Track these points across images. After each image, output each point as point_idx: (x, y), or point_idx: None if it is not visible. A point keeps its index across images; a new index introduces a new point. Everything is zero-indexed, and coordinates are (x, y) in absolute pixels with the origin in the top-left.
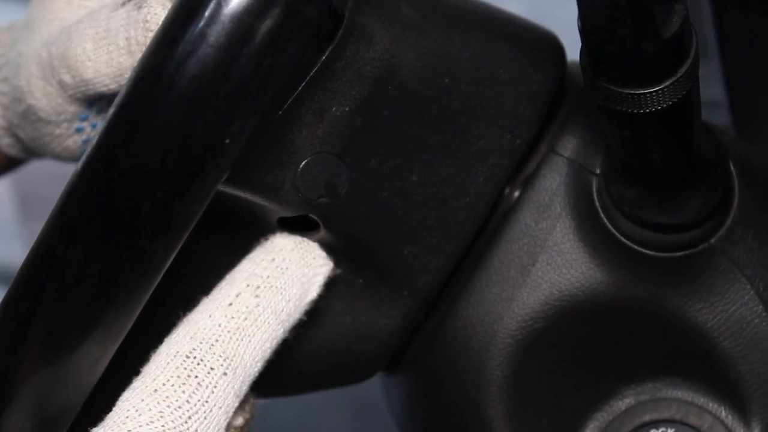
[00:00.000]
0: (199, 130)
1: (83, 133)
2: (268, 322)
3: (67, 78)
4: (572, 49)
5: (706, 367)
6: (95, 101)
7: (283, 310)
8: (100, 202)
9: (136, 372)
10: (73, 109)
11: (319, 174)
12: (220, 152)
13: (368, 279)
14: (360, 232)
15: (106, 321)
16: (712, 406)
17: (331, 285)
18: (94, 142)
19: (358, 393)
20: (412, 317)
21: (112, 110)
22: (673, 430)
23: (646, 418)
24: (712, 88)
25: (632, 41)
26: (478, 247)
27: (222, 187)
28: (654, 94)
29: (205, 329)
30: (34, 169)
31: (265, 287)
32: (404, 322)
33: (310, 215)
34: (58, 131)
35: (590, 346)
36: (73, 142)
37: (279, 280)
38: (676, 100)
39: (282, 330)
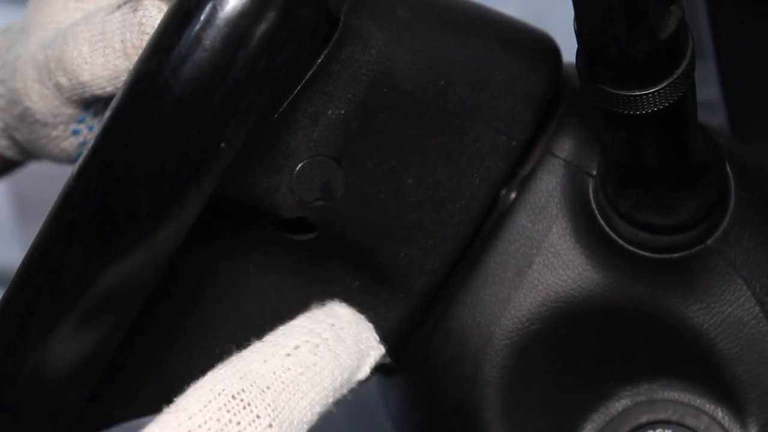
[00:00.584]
0: (195, 134)
1: (80, 135)
2: (323, 384)
3: (63, 80)
4: (567, 50)
5: (703, 368)
6: (91, 104)
7: (337, 378)
8: (96, 205)
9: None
10: (69, 111)
11: (315, 177)
12: (215, 155)
13: (364, 281)
14: (356, 235)
15: (102, 324)
16: (709, 407)
17: (326, 286)
18: (90, 145)
19: (353, 394)
20: (409, 319)
21: (108, 113)
22: (670, 431)
23: (643, 419)
24: (707, 89)
25: (628, 43)
26: (474, 248)
27: (218, 191)
28: (650, 95)
29: (257, 373)
30: (30, 171)
31: (324, 348)
32: (401, 323)
33: (306, 218)
34: (54, 133)
35: (587, 347)
36: (70, 144)
37: (338, 347)
38: (672, 101)
39: (332, 398)
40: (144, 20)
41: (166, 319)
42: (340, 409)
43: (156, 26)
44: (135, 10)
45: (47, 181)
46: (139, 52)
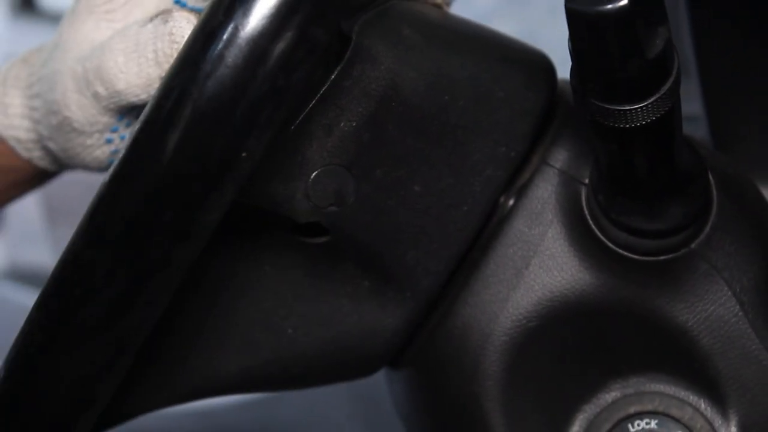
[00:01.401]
0: (218, 145)
1: (112, 144)
2: None
3: (101, 90)
4: (561, 67)
5: (687, 363)
6: (125, 113)
7: None
8: (126, 211)
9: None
10: (105, 120)
11: (328, 185)
12: (237, 165)
13: (373, 281)
14: (366, 238)
15: (130, 322)
16: (693, 398)
17: (338, 286)
18: (121, 154)
19: (362, 387)
20: (414, 317)
21: (138, 125)
22: (656, 421)
23: (631, 410)
24: (691, 104)
25: (619, 62)
26: (475, 251)
27: (238, 198)
28: (639, 110)
29: None
30: (61, 179)
31: None
32: (407, 321)
33: (320, 222)
34: (89, 142)
35: (579, 343)
36: (102, 152)
37: None
38: (659, 115)
39: None
40: (174, 30)
41: (188, 317)
42: (350, 401)
43: (185, 36)
44: (166, 22)
45: (76, 189)
46: (171, 60)
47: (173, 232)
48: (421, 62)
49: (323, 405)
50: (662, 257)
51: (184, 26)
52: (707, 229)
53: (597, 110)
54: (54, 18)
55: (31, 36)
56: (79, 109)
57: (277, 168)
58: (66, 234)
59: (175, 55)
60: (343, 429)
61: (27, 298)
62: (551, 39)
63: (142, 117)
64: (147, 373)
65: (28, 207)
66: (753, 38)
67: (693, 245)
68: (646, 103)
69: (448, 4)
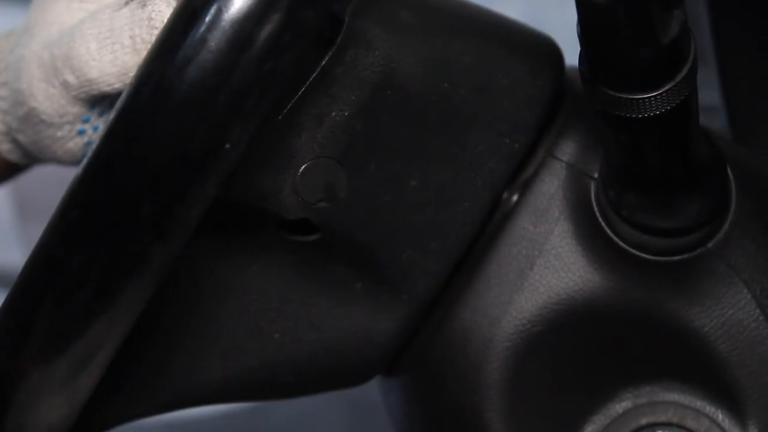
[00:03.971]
0: (200, 135)
1: (85, 135)
2: None
3: (71, 78)
4: (569, 52)
5: (703, 370)
6: (98, 102)
7: None
8: (101, 206)
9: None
10: (75, 110)
11: (318, 178)
12: (220, 157)
13: (367, 283)
14: (359, 236)
15: (106, 325)
16: (709, 409)
17: (329, 288)
18: (95, 145)
19: (355, 395)
20: (411, 321)
21: (113, 114)
22: None
23: (644, 421)
24: (709, 93)
25: (632, 46)
26: (476, 251)
27: (222, 192)
28: (652, 98)
29: None
30: (31, 173)
31: None
32: (403, 325)
33: (309, 219)
34: (59, 134)
35: (588, 349)
36: (75, 144)
37: None
38: (674, 104)
39: None
40: (153, 15)
41: (168, 320)
42: (343, 409)
43: (165, 21)
44: (144, 6)
45: (48, 183)
46: (149, 47)
47: (151, 229)
48: (419, 47)
49: (314, 415)
50: (677, 257)
51: (163, 10)
52: (725, 227)
53: (608, 99)
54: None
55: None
56: (47, 100)
57: (263, 160)
58: (37, 231)
59: (154, 40)
60: None
61: None
62: (559, 22)
63: (117, 105)
64: (123, 381)
65: None
66: None
67: (710, 245)
68: (660, 91)
69: None
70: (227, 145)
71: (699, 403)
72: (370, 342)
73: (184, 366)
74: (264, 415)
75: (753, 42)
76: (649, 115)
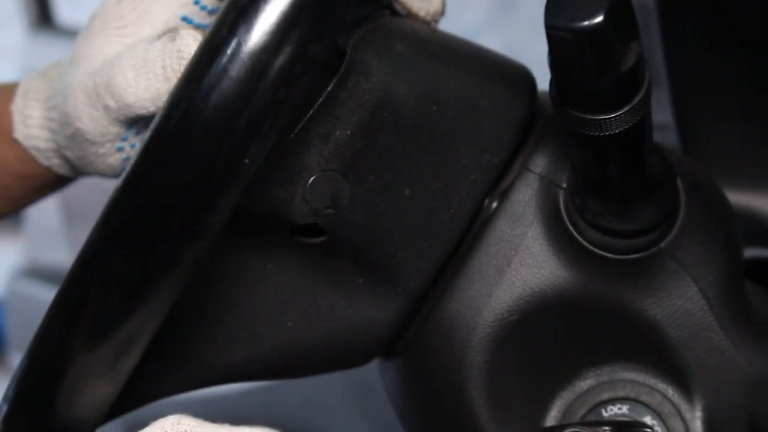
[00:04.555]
0: (223, 153)
1: (123, 152)
2: None
3: (111, 103)
4: (542, 79)
5: (656, 353)
6: (134, 123)
7: None
8: (138, 214)
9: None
10: (115, 130)
11: (325, 189)
12: (240, 171)
13: (367, 278)
14: (360, 239)
15: (143, 317)
16: (661, 386)
17: (334, 283)
18: (132, 161)
19: (356, 375)
20: (405, 311)
21: (148, 134)
22: (628, 406)
23: (605, 396)
24: (662, 114)
25: (594, 75)
26: (461, 250)
27: (242, 201)
28: (613, 119)
29: None
30: (77, 183)
31: None
32: (398, 315)
33: (317, 224)
34: (101, 150)
35: (557, 335)
36: (115, 160)
37: None
38: (631, 124)
39: None
40: (182, 47)
41: (196, 311)
42: (344, 388)
43: (192, 52)
44: (173, 39)
45: (91, 192)
46: (178, 75)
47: (181, 234)
48: (411, 75)
49: (321, 392)
50: (634, 256)
51: (191, 43)
52: (676, 229)
53: (574, 119)
54: (71, 33)
55: (49, 50)
56: (91, 121)
57: (277, 173)
58: (82, 235)
59: (183, 70)
60: (339, 414)
61: (46, 295)
62: (533, 53)
63: (151, 126)
64: (158, 364)
65: (46, 209)
66: (720, 51)
67: (662, 244)
68: (619, 113)
69: (437, 20)
70: (246, 161)
71: (652, 381)
72: (369, 329)
73: (210, 350)
74: (278, 392)
75: (701, 69)
76: (609, 133)
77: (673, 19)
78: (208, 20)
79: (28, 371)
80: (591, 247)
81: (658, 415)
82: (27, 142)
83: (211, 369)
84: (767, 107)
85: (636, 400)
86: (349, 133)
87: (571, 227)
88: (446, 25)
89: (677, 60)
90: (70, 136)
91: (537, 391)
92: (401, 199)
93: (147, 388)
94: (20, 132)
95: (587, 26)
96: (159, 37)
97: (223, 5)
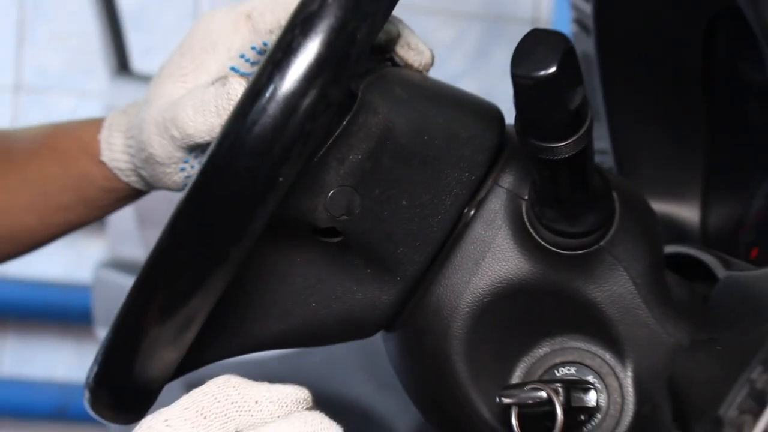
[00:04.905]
0: (262, 173)
1: (185, 171)
2: None
3: (176, 134)
4: (509, 115)
5: (597, 327)
6: (194, 149)
7: None
8: (197, 221)
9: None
10: (179, 155)
11: (341, 200)
12: (276, 187)
13: (373, 269)
14: (368, 238)
15: (200, 299)
16: (600, 352)
17: (348, 273)
18: (192, 179)
19: (365, 344)
20: (403, 295)
21: (204, 158)
22: (575, 368)
23: (557, 360)
24: (602, 142)
25: (549, 113)
26: (446, 248)
27: (277, 210)
28: (563, 147)
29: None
30: (149, 195)
31: None
32: (397, 298)
33: (335, 227)
34: (168, 170)
35: (521, 313)
36: (179, 177)
37: None
38: (578, 150)
39: None
40: (230, 91)
41: (242, 293)
42: (357, 353)
43: (239, 94)
44: (224, 85)
45: (159, 202)
46: (228, 112)
47: (230, 235)
48: (407, 112)
49: (338, 356)
50: (580, 252)
51: (237, 88)
52: (612, 231)
53: (533, 147)
54: (144, 78)
55: (127, 92)
56: (160, 147)
57: (304, 188)
58: (153, 235)
59: (231, 108)
60: (352, 374)
61: (124, 282)
62: (502, 94)
63: (207, 152)
64: (212, 334)
65: (125, 215)
66: (646, 94)
67: (602, 243)
68: (568, 141)
69: (427, 69)
70: (280, 179)
71: (594, 348)
72: (375, 309)
73: (252, 325)
74: (304, 357)
75: (631, 107)
76: (561, 157)
77: (609, 68)
78: (251, 70)
79: (112, 341)
80: (547, 246)
81: (598, 374)
82: (111, 164)
83: (253, 339)
84: (680, 138)
85: (581, 363)
86: (359, 157)
87: (531, 230)
88: (434, 72)
89: (613, 100)
90: (144, 159)
91: (505, 356)
92: (399, 208)
93: (203, 354)
94: (106, 156)
95: (543, 75)
96: (213, 83)
97: (263, 59)
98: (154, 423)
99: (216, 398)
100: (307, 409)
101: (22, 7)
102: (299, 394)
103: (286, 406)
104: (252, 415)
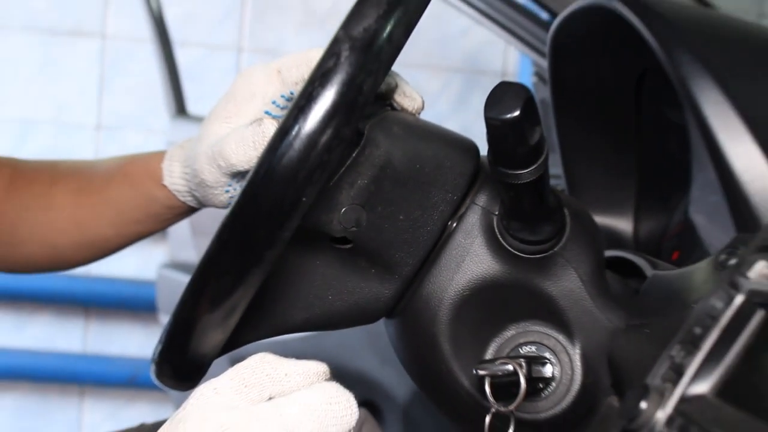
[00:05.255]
0: (289, 194)
1: (229, 193)
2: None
3: (222, 164)
4: (483, 147)
5: (552, 314)
6: (236, 176)
7: None
8: (238, 232)
9: None
10: (224, 180)
11: (351, 216)
12: (300, 206)
13: (377, 269)
14: (373, 245)
15: (241, 294)
16: (555, 334)
17: (357, 272)
18: (235, 199)
19: (371, 328)
20: (400, 290)
21: (245, 183)
22: (535, 347)
23: (521, 340)
24: (556, 168)
25: (513, 147)
26: (434, 253)
27: (301, 223)
28: (525, 173)
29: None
30: (200, 211)
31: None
32: (395, 292)
33: (346, 237)
34: (216, 192)
35: (492, 304)
36: (224, 197)
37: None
38: (537, 176)
39: None
40: (265, 130)
41: (273, 289)
42: (365, 334)
43: (272, 133)
44: (260, 125)
45: (209, 216)
46: (263, 147)
47: (264, 243)
48: (403, 146)
49: (349, 337)
50: (539, 255)
51: (270, 128)
52: (564, 239)
53: (502, 173)
54: (197, 119)
55: (183, 130)
56: (210, 174)
57: (322, 206)
58: (204, 243)
59: (265, 144)
60: (360, 352)
61: (182, 279)
62: (478, 132)
63: (247, 178)
64: (250, 320)
65: (182, 226)
66: (589, 132)
67: (556, 249)
68: (529, 169)
69: (419, 113)
70: (303, 199)
71: (549, 331)
72: (378, 300)
73: (281, 313)
74: (322, 337)
75: (579, 141)
76: (523, 182)
77: (562, 111)
78: (281, 113)
79: (172, 326)
80: (513, 251)
81: (553, 352)
82: (172, 187)
83: (282, 324)
84: (617, 165)
85: (540, 343)
86: (366, 182)
87: (500, 239)
88: (424, 114)
89: (564, 136)
90: (197, 183)
91: (480, 337)
92: (397, 222)
93: (243, 336)
94: (167, 180)
95: (509, 118)
96: (251, 123)
97: (290, 105)
98: (206, 390)
99: (254, 371)
100: (326, 380)
101: (102, 64)
102: (320, 368)
103: (310, 378)
104: (282, 385)
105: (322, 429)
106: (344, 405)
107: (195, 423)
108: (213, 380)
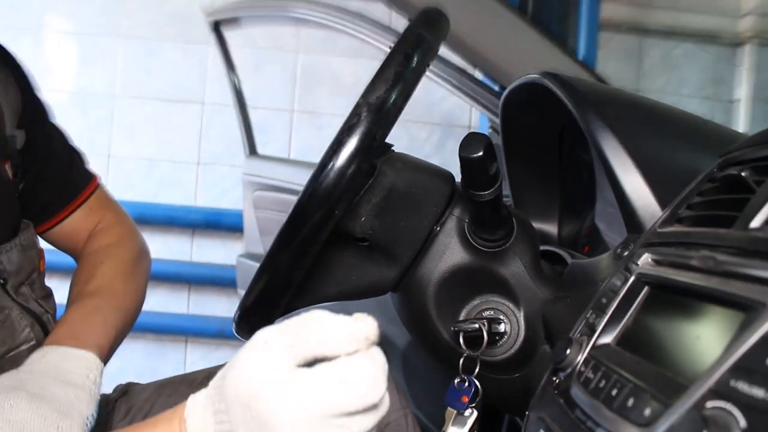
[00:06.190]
0: (326, 207)
1: None
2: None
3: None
4: (458, 175)
5: (505, 289)
6: None
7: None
8: (291, 233)
9: None
10: None
11: (368, 222)
12: (333, 216)
13: (386, 259)
14: (383, 243)
15: (293, 275)
16: (506, 302)
17: (372, 261)
18: (291, 211)
19: (382, 298)
20: (401, 273)
21: (296, 201)
22: (493, 311)
23: (484, 307)
24: (506, 189)
25: (479, 176)
26: (424, 248)
27: (334, 227)
28: (486, 194)
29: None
30: (262, 216)
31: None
32: (397, 275)
33: (365, 237)
34: None
35: (464, 282)
36: None
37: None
38: (494, 196)
39: None
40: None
41: (314, 273)
42: (377, 303)
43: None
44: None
45: (272, 221)
46: None
47: (308, 241)
48: (404, 176)
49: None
50: (496, 249)
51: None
52: (512, 238)
53: (470, 194)
54: (264, 158)
55: (255, 165)
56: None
57: (348, 216)
58: (268, 240)
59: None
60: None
61: (254, 265)
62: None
63: (298, 198)
64: (300, 292)
65: (252, 228)
66: (527, 167)
67: (507, 245)
68: (488, 191)
69: None
70: (336, 212)
71: (503, 300)
72: (386, 280)
73: (321, 288)
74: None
75: (520, 172)
76: (485, 200)
77: (509, 151)
78: None
79: (247, 297)
80: (479, 246)
81: (505, 315)
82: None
83: (321, 296)
84: (547, 187)
85: (497, 309)
86: (378, 200)
87: (470, 238)
88: (416, 154)
89: (511, 168)
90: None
91: (455, 305)
92: (399, 227)
93: (295, 303)
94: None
95: (475, 156)
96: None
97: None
98: (258, 341)
99: (305, 329)
100: (372, 344)
101: (201, 120)
102: (370, 331)
103: (357, 341)
104: (327, 348)
105: (350, 400)
106: (375, 382)
107: (235, 374)
108: (267, 330)
